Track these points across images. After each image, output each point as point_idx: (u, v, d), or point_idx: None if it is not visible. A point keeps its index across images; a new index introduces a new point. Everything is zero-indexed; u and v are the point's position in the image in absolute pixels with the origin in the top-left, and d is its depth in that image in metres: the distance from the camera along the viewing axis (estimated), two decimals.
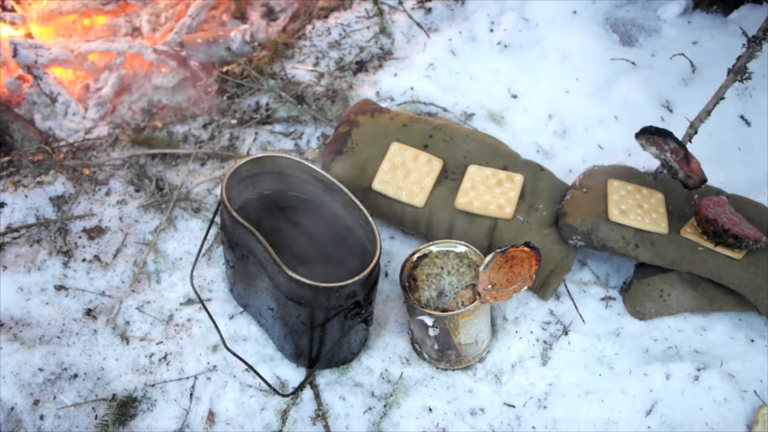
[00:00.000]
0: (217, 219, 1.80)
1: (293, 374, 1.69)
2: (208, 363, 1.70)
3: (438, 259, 1.64)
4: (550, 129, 2.20)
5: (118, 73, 2.38)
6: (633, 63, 2.32)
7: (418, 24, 2.46)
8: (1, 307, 1.76)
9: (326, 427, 1.61)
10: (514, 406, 1.66)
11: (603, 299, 1.85)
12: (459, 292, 1.60)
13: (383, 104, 2.23)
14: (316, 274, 1.45)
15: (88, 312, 1.78)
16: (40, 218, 1.95)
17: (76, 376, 1.66)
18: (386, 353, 1.74)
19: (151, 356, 1.71)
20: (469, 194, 1.81)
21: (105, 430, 1.59)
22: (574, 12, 2.44)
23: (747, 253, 1.71)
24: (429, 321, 1.57)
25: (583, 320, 1.80)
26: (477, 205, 1.79)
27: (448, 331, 1.59)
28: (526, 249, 1.51)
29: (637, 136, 1.75)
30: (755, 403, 1.66)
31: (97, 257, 1.88)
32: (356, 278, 1.46)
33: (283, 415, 1.63)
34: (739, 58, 1.66)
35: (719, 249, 1.70)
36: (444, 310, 1.58)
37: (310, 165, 1.66)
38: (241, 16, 2.63)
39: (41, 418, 1.61)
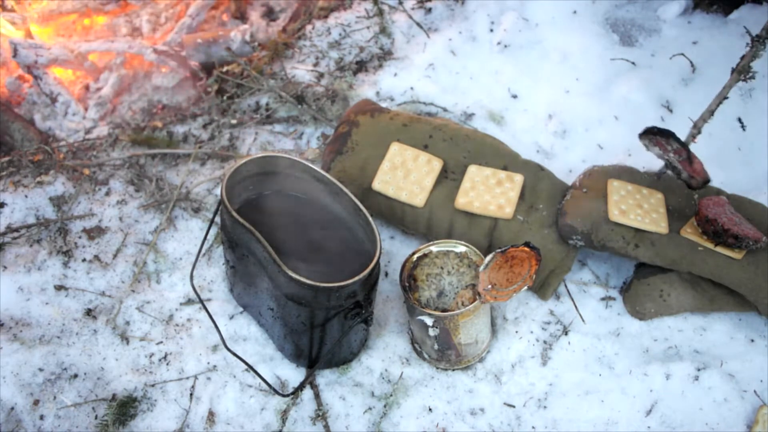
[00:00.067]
0: (217, 219, 1.80)
1: (293, 374, 1.69)
2: (208, 363, 1.70)
3: (438, 259, 1.64)
4: (550, 129, 2.20)
5: (118, 73, 2.38)
6: (633, 63, 2.32)
7: (418, 24, 2.46)
8: (1, 307, 1.76)
9: (326, 427, 1.61)
10: (514, 406, 1.66)
11: (603, 299, 1.85)
12: (459, 292, 1.60)
13: (383, 104, 2.23)
14: (316, 274, 1.45)
15: (88, 312, 1.78)
16: (40, 218, 1.95)
17: (76, 376, 1.66)
18: (386, 353, 1.74)
19: (151, 356, 1.71)
20: (469, 194, 1.81)
21: (105, 430, 1.59)
22: (574, 12, 2.44)
23: (747, 253, 1.71)
24: (429, 321, 1.57)
25: (583, 320, 1.80)
26: (477, 205, 1.79)
27: (448, 331, 1.59)
28: (526, 249, 1.51)
29: (640, 136, 1.75)
30: (755, 403, 1.66)
31: (97, 257, 1.88)
32: (356, 278, 1.46)
33: (283, 415, 1.63)
34: (742, 58, 1.66)
35: (719, 249, 1.70)
36: (444, 310, 1.58)
37: (310, 165, 1.66)
38: (241, 16, 2.63)
39: (41, 418, 1.61)
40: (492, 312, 1.79)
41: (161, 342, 1.73)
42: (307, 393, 1.67)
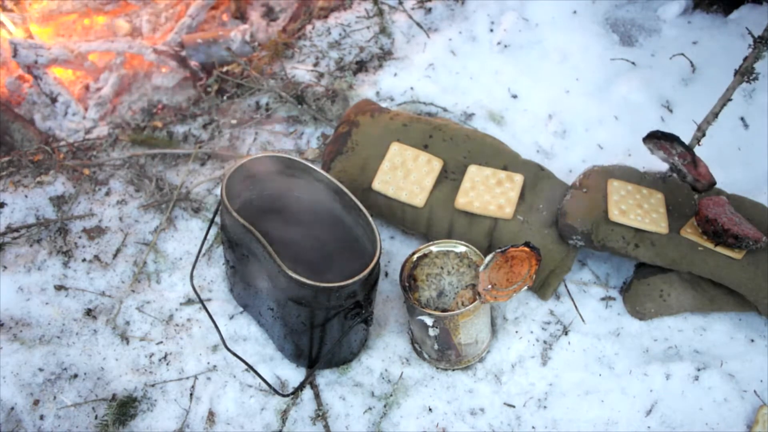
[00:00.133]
0: (217, 219, 1.80)
1: (293, 374, 1.69)
2: (208, 363, 1.70)
3: (438, 259, 1.64)
4: (550, 129, 2.20)
5: (118, 73, 2.38)
6: (633, 63, 2.32)
7: (418, 24, 2.46)
8: (1, 307, 1.76)
9: (326, 427, 1.61)
10: (514, 406, 1.66)
11: (603, 299, 1.85)
12: (459, 292, 1.60)
13: (383, 104, 2.23)
14: (316, 274, 1.45)
15: (88, 312, 1.78)
16: (40, 218, 1.95)
17: (76, 376, 1.66)
18: (386, 353, 1.74)
19: (151, 356, 1.71)
20: (469, 194, 1.81)
21: (105, 430, 1.59)
22: (574, 12, 2.44)
23: (747, 253, 1.71)
24: (429, 321, 1.57)
25: (583, 320, 1.80)
26: (477, 205, 1.79)
27: (448, 331, 1.59)
28: (526, 249, 1.51)
29: (644, 140, 1.75)
30: (755, 403, 1.66)
31: (97, 257, 1.88)
32: (356, 278, 1.46)
33: (283, 415, 1.63)
34: (745, 59, 1.65)
35: (719, 249, 1.70)
36: (444, 310, 1.58)
37: (310, 165, 1.66)
38: (241, 16, 2.63)
39: (41, 418, 1.61)
40: (492, 312, 1.79)
41: (161, 342, 1.73)
42: (307, 393, 1.67)
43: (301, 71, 2.34)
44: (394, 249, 1.92)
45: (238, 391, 1.66)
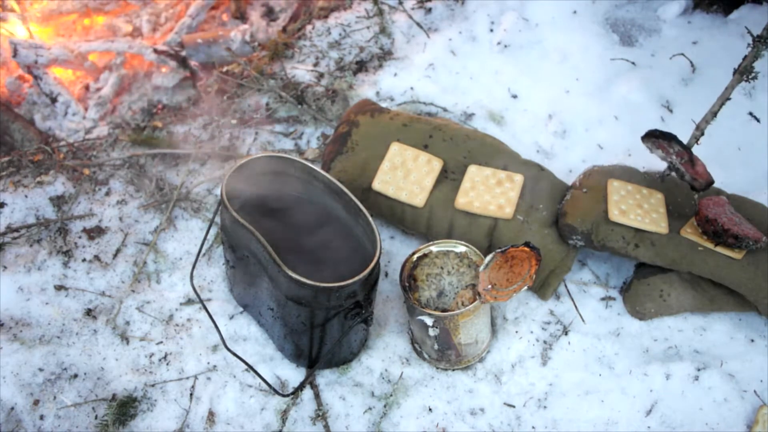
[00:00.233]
0: (217, 219, 1.80)
1: (293, 374, 1.69)
2: (208, 363, 1.70)
3: (438, 259, 1.64)
4: (550, 129, 2.20)
5: (118, 73, 2.38)
6: (633, 63, 2.32)
7: (418, 24, 2.46)
8: (1, 307, 1.76)
9: (326, 427, 1.61)
10: (514, 406, 1.66)
11: (603, 299, 1.85)
12: (459, 292, 1.60)
13: (383, 104, 2.23)
14: (316, 274, 1.45)
15: (88, 312, 1.78)
16: (40, 218, 1.95)
17: (76, 376, 1.66)
18: (386, 353, 1.74)
19: (151, 356, 1.71)
20: (469, 194, 1.81)
21: (105, 430, 1.59)
22: (574, 12, 2.44)
23: (747, 253, 1.71)
24: (429, 321, 1.57)
25: (583, 320, 1.80)
26: (477, 205, 1.79)
27: (448, 331, 1.59)
28: (526, 249, 1.51)
29: (643, 139, 1.75)
30: (755, 403, 1.66)
31: (97, 257, 1.88)
32: (356, 278, 1.46)
33: (283, 415, 1.63)
34: (744, 58, 1.66)
35: (719, 249, 1.70)
36: (444, 310, 1.58)
37: (310, 165, 1.66)
38: (241, 16, 2.63)
39: (41, 418, 1.61)
40: (492, 312, 1.79)
41: (161, 342, 1.73)
42: (307, 393, 1.67)
43: (301, 71, 2.34)
44: (394, 249, 1.92)
45: (238, 391, 1.66)
